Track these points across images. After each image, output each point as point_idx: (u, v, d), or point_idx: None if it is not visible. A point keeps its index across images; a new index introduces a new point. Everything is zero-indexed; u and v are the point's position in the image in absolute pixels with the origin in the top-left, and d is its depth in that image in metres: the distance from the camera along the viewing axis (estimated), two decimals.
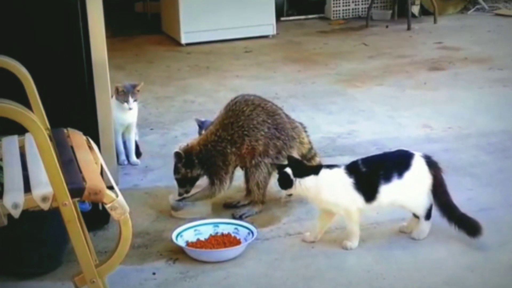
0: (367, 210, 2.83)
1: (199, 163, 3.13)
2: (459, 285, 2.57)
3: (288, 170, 2.80)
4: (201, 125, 3.58)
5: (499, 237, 2.85)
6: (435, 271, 2.65)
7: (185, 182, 3.16)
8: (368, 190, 2.77)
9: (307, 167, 2.90)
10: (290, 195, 2.90)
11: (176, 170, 3.15)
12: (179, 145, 3.21)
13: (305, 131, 3.27)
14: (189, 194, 3.18)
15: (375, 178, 2.77)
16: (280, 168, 2.86)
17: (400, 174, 2.77)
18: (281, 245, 2.89)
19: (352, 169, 2.80)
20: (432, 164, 2.82)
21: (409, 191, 2.79)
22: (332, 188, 2.78)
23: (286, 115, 3.24)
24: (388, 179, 2.76)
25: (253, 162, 3.10)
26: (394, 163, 2.81)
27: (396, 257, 2.75)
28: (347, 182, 2.77)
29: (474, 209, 3.03)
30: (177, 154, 3.13)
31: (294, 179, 2.79)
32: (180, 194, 3.18)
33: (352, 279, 2.62)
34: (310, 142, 3.27)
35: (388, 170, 2.77)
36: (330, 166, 2.84)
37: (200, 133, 3.54)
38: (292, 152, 3.13)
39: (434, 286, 2.56)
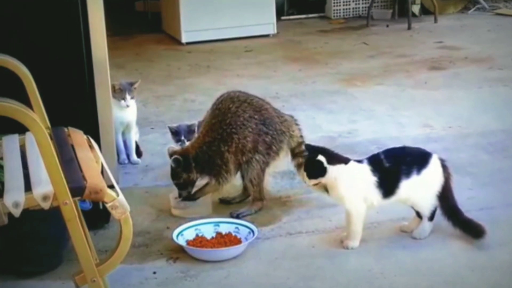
0: (379, 206, 2.83)
1: (195, 166, 3.11)
2: (459, 284, 2.57)
3: (322, 157, 2.74)
4: (176, 131, 3.56)
5: (499, 236, 2.85)
6: (436, 270, 2.65)
7: (186, 185, 3.14)
8: (389, 186, 2.78)
9: (337, 155, 2.83)
10: (316, 184, 2.80)
11: (176, 176, 3.13)
12: (168, 148, 3.20)
13: (296, 124, 3.23)
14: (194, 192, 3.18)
15: (397, 173, 2.77)
16: (310, 159, 2.78)
17: (419, 171, 2.78)
18: (281, 244, 2.89)
19: (376, 165, 2.78)
20: (445, 167, 2.83)
21: (423, 189, 2.80)
22: (354, 183, 2.76)
23: (274, 109, 3.21)
24: (408, 174, 2.77)
25: (244, 159, 3.09)
26: (415, 158, 2.81)
27: (397, 257, 2.75)
28: (371, 180, 2.77)
29: (474, 208, 3.04)
30: (176, 160, 3.09)
31: (327, 166, 2.74)
32: (180, 195, 3.16)
33: (353, 279, 2.62)
34: (301, 136, 3.22)
35: (409, 165, 2.78)
36: (357, 161, 2.82)
37: (176, 140, 3.52)
38: (282, 146, 3.13)
39: (434, 285, 2.56)
